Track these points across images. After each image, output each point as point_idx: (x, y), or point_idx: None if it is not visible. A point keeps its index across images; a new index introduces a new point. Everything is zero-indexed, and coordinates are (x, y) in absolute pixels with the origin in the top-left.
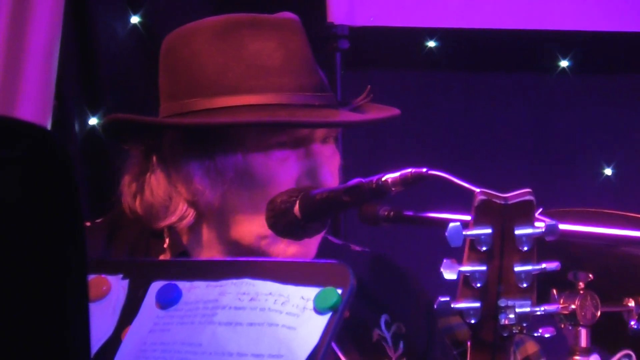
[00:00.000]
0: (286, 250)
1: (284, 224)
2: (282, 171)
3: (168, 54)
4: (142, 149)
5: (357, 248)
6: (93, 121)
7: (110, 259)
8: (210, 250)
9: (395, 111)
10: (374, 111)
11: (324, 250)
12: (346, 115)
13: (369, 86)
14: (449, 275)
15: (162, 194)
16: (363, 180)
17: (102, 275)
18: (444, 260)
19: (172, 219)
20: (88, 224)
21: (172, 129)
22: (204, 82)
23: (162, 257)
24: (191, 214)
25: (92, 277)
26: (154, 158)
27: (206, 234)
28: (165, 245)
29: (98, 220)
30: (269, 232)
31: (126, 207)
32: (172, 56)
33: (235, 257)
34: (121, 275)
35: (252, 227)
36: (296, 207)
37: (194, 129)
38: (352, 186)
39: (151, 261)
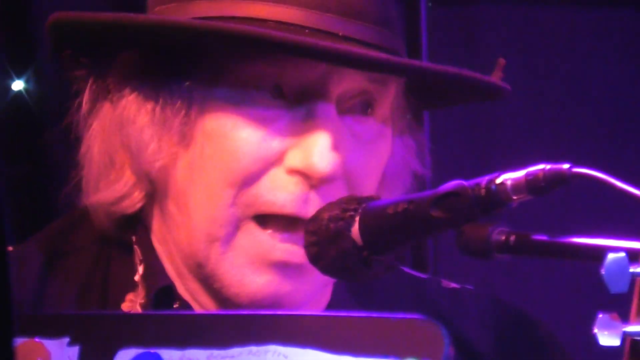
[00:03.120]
0: (249, 273)
1: (335, 256)
2: (259, 138)
3: None
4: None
5: (453, 285)
6: (18, 85)
7: (49, 313)
8: (173, 272)
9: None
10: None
11: (395, 287)
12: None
13: (501, 60)
14: (608, 339)
15: (97, 151)
16: (465, 183)
17: (36, 339)
18: (599, 315)
19: (106, 195)
20: (10, 248)
21: (112, 28)
22: None
23: (130, 299)
24: (137, 195)
25: (20, 342)
26: (96, 91)
27: (162, 239)
28: (137, 261)
29: (28, 245)
30: (221, 231)
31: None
32: None
33: (255, 310)
34: (67, 339)
35: (201, 224)
36: (355, 228)
37: (136, 27)
38: (446, 193)
39: (117, 315)
